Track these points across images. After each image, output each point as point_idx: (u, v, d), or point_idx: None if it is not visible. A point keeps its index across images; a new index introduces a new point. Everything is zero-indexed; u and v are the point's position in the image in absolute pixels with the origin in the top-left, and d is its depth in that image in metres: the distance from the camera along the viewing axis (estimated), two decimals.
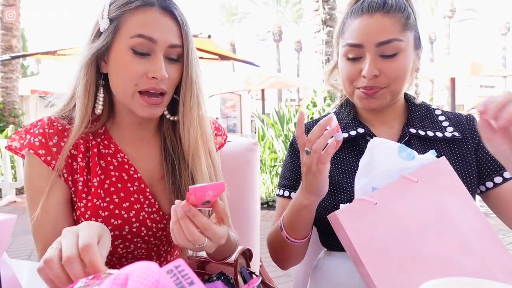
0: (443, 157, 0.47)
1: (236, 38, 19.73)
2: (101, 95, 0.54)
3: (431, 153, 0.47)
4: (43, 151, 0.53)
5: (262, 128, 3.70)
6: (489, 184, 0.57)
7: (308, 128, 0.68)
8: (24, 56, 5.36)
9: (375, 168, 0.47)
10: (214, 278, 0.58)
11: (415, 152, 0.47)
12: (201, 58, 4.57)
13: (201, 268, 0.65)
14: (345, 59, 0.59)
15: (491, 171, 0.57)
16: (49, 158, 0.53)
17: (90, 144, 0.56)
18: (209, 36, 4.29)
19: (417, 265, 0.41)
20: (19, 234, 2.46)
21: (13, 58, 4.66)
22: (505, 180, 0.56)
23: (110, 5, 0.51)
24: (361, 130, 0.61)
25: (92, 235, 0.39)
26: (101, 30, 0.51)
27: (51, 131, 0.54)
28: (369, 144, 0.49)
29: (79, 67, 0.53)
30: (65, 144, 0.54)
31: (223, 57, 4.79)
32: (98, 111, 0.55)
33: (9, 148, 0.56)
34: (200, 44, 4.06)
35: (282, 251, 0.59)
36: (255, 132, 4.14)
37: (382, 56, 0.56)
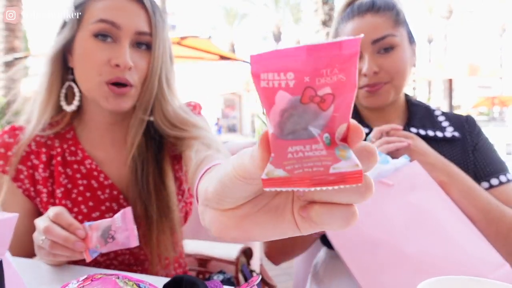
0: (415, 161, 0.49)
1: (236, 39, 19.76)
2: (76, 91, 0.50)
3: (404, 157, 0.49)
4: (1, 162, 0.51)
5: (262, 128, 3.71)
6: (485, 185, 0.58)
7: None
8: (27, 57, 5.35)
9: None
10: (214, 277, 0.58)
11: (388, 157, 0.49)
12: (201, 58, 4.57)
13: (201, 266, 0.66)
14: None
15: (488, 173, 0.58)
16: (7, 168, 0.51)
17: (55, 152, 0.52)
18: (209, 37, 4.30)
19: (401, 264, 0.42)
20: None
21: (16, 59, 4.66)
22: (501, 183, 0.57)
23: None
24: (365, 131, 0.62)
25: (58, 208, 0.41)
26: (65, 20, 0.49)
27: (11, 140, 0.52)
28: None
29: (45, 62, 0.50)
30: (20, 146, 0.50)
31: (223, 57, 4.80)
32: (73, 107, 0.51)
33: None
34: (200, 44, 4.07)
35: (292, 242, 0.58)
36: (255, 132, 4.14)
37: (379, 53, 0.58)
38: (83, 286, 0.33)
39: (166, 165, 0.54)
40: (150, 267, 0.53)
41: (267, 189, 0.15)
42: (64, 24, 0.49)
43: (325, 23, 3.55)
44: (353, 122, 0.15)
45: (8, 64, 4.85)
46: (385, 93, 0.59)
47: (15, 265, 0.40)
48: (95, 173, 0.52)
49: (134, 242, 0.40)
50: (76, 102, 0.51)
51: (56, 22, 0.50)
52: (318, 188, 0.15)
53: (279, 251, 0.60)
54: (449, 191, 0.48)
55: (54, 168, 0.52)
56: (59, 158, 0.52)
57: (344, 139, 0.14)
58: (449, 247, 0.42)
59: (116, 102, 0.48)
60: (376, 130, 0.55)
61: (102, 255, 0.52)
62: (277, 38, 18.70)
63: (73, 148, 0.53)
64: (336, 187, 0.14)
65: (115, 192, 0.52)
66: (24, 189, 0.52)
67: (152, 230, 0.51)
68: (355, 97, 0.62)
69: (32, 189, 0.52)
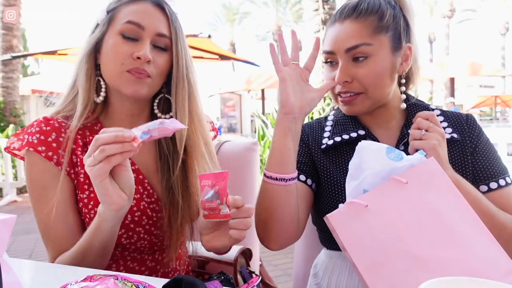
0: (432, 157, 0.47)
1: (236, 38, 19.76)
2: (101, 83, 0.57)
3: (420, 153, 0.48)
4: (43, 148, 0.54)
5: (262, 128, 3.71)
6: (483, 188, 0.57)
7: (308, 127, 0.68)
8: (25, 56, 5.36)
9: (364, 170, 0.47)
10: (215, 278, 0.58)
11: (403, 153, 0.48)
12: (201, 58, 4.56)
13: (201, 267, 0.66)
14: (325, 65, 0.61)
15: (487, 177, 0.57)
16: (50, 153, 0.54)
17: (87, 139, 0.58)
18: (209, 36, 4.29)
19: (410, 266, 0.41)
20: (19, 234, 2.46)
21: (14, 58, 4.66)
22: (500, 187, 0.56)
23: (109, 2, 0.58)
24: (361, 132, 0.61)
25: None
26: (98, 22, 0.57)
27: (48, 128, 0.56)
28: (357, 147, 0.50)
29: (80, 58, 0.57)
30: (68, 134, 0.55)
31: (223, 57, 4.79)
32: (101, 98, 0.58)
33: (8, 150, 0.58)
34: (200, 44, 4.07)
35: (271, 210, 0.54)
36: (255, 132, 4.15)
37: (354, 61, 0.56)
38: (82, 286, 0.32)
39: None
40: (168, 252, 0.59)
41: (206, 219, 0.47)
42: (97, 25, 0.57)
43: (325, 23, 3.54)
44: (229, 197, 0.45)
45: (6, 63, 4.86)
46: (360, 103, 0.58)
47: (13, 266, 0.40)
48: None
49: (181, 124, 0.45)
50: (102, 93, 0.58)
51: (88, 23, 0.60)
52: (219, 220, 0.46)
53: (262, 224, 0.56)
54: (460, 190, 0.47)
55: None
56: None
57: (227, 202, 0.45)
58: (461, 250, 0.42)
59: (134, 87, 0.55)
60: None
61: (126, 236, 0.56)
62: (278, 37, 18.63)
63: None
64: (225, 220, 0.46)
65: (140, 177, 0.58)
66: (67, 172, 0.56)
67: (178, 215, 0.56)
68: (337, 103, 0.62)
69: (72, 171, 0.56)
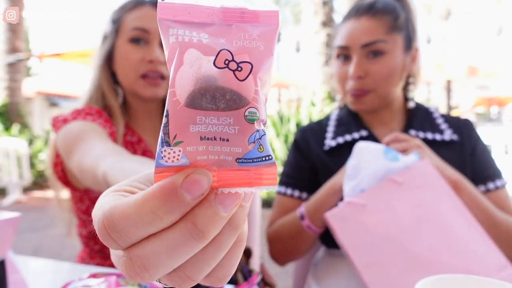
0: (426, 158, 0.49)
1: None
2: (119, 90, 0.62)
3: (414, 155, 0.49)
4: (107, 130, 0.56)
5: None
6: (481, 188, 0.58)
7: (308, 129, 0.69)
8: (28, 57, 5.35)
9: (362, 170, 0.48)
10: None
11: (399, 154, 0.49)
12: None
13: None
14: (336, 61, 0.62)
15: (485, 178, 0.58)
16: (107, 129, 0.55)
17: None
18: None
19: (407, 264, 0.42)
20: (24, 232, 2.45)
21: (19, 61, 4.66)
22: (497, 188, 0.58)
23: (112, 12, 0.62)
24: (364, 133, 0.62)
25: None
26: (106, 33, 0.60)
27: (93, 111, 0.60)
28: (355, 148, 0.51)
29: (95, 69, 0.61)
30: (118, 130, 0.59)
31: None
32: (119, 101, 0.62)
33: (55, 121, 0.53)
34: None
35: (294, 244, 0.58)
36: None
37: (368, 57, 0.57)
38: (85, 284, 0.33)
39: None
40: None
41: None
42: (105, 37, 0.60)
43: (325, 24, 3.56)
44: None
45: (11, 65, 4.85)
46: (369, 100, 0.59)
47: (17, 264, 0.40)
48: (149, 153, 0.63)
49: None
50: (120, 99, 0.62)
51: (97, 36, 0.62)
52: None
53: (282, 252, 0.61)
54: (459, 192, 0.48)
55: (124, 145, 0.61)
56: (127, 138, 0.62)
57: None
58: (456, 247, 0.43)
59: (152, 91, 0.58)
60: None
61: None
62: (277, 38, 18.63)
63: (130, 133, 0.63)
64: None
65: None
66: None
67: None
68: (346, 100, 0.62)
69: None
